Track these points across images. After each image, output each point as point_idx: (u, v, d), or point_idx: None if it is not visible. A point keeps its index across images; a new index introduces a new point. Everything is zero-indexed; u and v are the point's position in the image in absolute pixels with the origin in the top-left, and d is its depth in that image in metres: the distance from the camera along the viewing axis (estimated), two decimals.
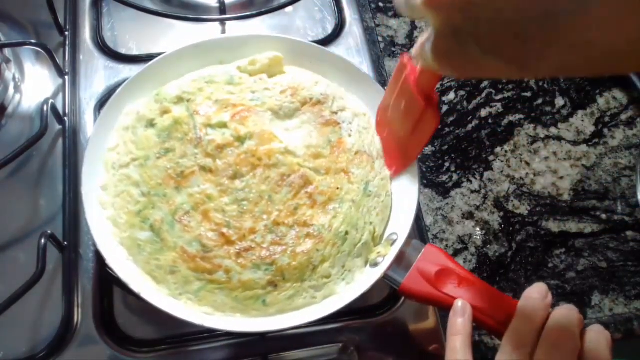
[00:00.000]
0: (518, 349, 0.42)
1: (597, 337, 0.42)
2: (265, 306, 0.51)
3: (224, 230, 0.52)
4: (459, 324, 0.46)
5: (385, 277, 0.51)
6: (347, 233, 0.54)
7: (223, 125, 0.57)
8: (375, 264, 0.54)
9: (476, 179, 0.71)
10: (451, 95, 0.77)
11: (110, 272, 0.50)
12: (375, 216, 0.56)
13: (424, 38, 0.39)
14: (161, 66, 0.60)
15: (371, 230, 0.55)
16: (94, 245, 0.59)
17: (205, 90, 0.59)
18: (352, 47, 0.75)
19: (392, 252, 0.52)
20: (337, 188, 0.55)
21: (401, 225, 0.55)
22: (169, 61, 0.60)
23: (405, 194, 0.57)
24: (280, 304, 0.51)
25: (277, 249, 0.52)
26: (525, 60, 0.32)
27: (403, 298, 0.60)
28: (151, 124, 0.57)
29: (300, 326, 0.50)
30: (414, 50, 0.43)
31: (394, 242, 0.54)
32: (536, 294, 0.45)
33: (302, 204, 0.54)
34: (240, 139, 0.56)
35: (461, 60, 0.35)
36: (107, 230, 0.53)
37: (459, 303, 0.47)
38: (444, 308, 0.49)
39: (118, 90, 0.58)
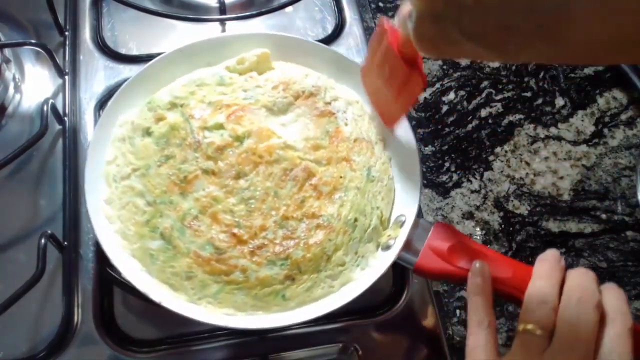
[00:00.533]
0: (541, 304, 0.42)
1: (614, 293, 0.43)
2: (286, 300, 0.52)
3: (235, 230, 0.52)
4: (479, 283, 0.46)
5: (398, 259, 0.52)
6: (356, 220, 0.54)
7: (219, 126, 0.57)
8: (387, 247, 0.54)
9: (476, 179, 0.71)
10: (451, 95, 0.77)
11: (127, 282, 0.49)
12: (381, 200, 0.57)
13: (405, 10, 0.39)
14: (149, 74, 0.59)
15: (379, 215, 0.56)
16: (94, 245, 0.59)
17: (197, 93, 0.59)
18: (352, 47, 0.75)
19: (403, 234, 0.53)
20: (340, 177, 0.56)
21: (407, 206, 0.56)
22: (156, 69, 0.60)
23: (406, 176, 0.58)
24: (300, 297, 0.52)
25: (289, 243, 0.52)
26: (505, 48, 0.33)
27: (403, 298, 0.60)
28: (147, 132, 0.57)
29: (320, 317, 0.50)
30: (396, 20, 0.43)
31: (402, 223, 0.55)
32: (550, 257, 0.46)
33: (308, 196, 0.55)
34: (239, 139, 0.56)
35: (441, 43, 0.36)
36: (117, 243, 0.53)
37: (476, 264, 0.47)
38: (460, 282, 0.49)
39: (109, 103, 0.58)
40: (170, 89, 0.59)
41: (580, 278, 0.43)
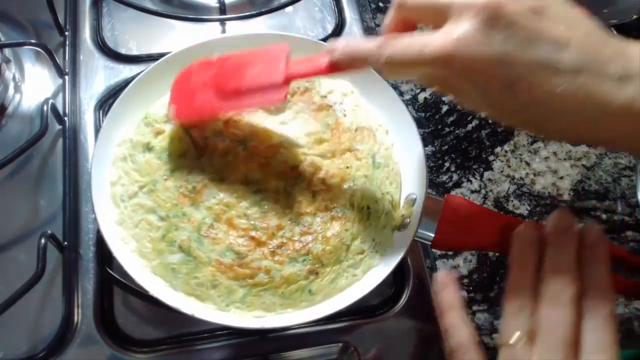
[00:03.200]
0: (519, 311, 0.39)
1: (595, 265, 0.39)
2: (312, 295, 0.52)
3: (252, 233, 0.52)
4: (447, 296, 0.42)
5: (416, 237, 0.52)
6: (368, 207, 0.55)
7: (219, 132, 0.56)
8: (403, 228, 0.55)
9: (476, 179, 0.71)
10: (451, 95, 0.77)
11: (159, 301, 0.49)
12: (389, 185, 0.57)
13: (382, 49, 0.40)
14: (139, 89, 0.59)
15: (389, 199, 0.57)
16: (95, 245, 0.59)
17: None
18: None
19: (416, 212, 0.54)
20: (347, 167, 0.56)
21: (416, 185, 0.56)
22: (145, 83, 0.59)
23: (408, 156, 0.58)
24: (326, 289, 0.52)
25: (308, 238, 0.53)
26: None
27: (403, 298, 0.61)
28: (148, 147, 0.56)
29: (344, 308, 0.50)
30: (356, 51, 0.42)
31: (414, 201, 0.55)
32: (522, 233, 0.42)
33: (318, 190, 0.55)
34: (241, 142, 0.56)
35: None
36: (136, 262, 0.52)
37: (438, 276, 0.43)
38: (479, 249, 0.49)
39: (103, 124, 0.57)
40: (163, 102, 0.59)
41: (555, 261, 0.40)
